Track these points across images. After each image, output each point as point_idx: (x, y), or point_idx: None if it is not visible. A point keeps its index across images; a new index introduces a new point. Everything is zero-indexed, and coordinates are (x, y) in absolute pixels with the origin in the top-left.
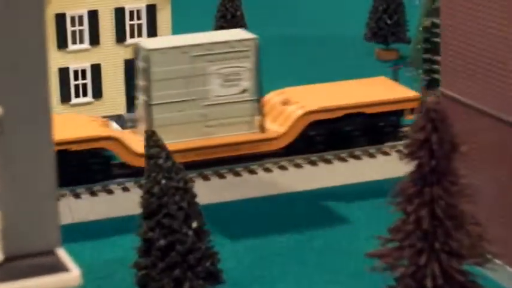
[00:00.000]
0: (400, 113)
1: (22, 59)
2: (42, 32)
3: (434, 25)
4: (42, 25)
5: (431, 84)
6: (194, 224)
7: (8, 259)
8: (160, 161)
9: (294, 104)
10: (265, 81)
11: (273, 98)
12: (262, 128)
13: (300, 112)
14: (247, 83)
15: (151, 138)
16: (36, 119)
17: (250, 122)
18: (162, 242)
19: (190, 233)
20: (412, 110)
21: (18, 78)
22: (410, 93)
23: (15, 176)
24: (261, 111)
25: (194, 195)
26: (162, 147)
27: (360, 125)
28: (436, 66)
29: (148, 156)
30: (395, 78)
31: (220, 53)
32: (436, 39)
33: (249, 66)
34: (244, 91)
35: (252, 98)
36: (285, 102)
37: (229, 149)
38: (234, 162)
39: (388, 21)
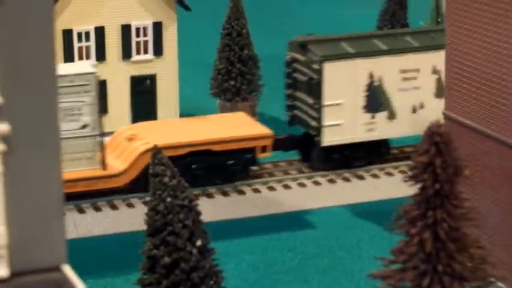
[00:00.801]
0: (251, 151)
1: (31, 76)
2: (52, 49)
3: (295, 60)
4: (52, 42)
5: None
6: (199, 242)
7: (14, 275)
8: (166, 179)
9: (139, 140)
10: (271, 101)
11: (121, 133)
12: (103, 165)
13: (142, 149)
14: (87, 118)
15: (157, 156)
16: (44, 137)
17: (91, 158)
18: (166, 260)
19: (195, 251)
20: (264, 148)
21: (26, 95)
22: (263, 130)
23: (22, 193)
24: (102, 147)
25: (199, 213)
26: (167, 165)
27: (206, 163)
28: (297, 103)
29: (154, 174)
30: None
31: (59, 86)
32: (296, 75)
33: (89, 101)
34: (84, 126)
35: (93, 134)
36: (131, 138)
37: (69, 186)
38: (77, 198)
39: None
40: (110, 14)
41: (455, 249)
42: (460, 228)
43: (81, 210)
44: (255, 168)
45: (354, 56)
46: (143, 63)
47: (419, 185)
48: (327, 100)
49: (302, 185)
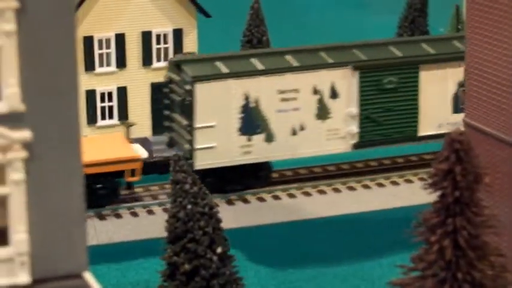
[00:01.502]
0: (118, 175)
1: (53, 84)
2: (73, 56)
3: (172, 81)
4: (73, 49)
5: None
6: (219, 249)
7: (36, 282)
8: (186, 187)
9: None
10: None
11: None
12: None
13: None
14: None
15: (178, 163)
16: (66, 143)
17: None
18: (186, 267)
19: (215, 258)
20: (133, 172)
21: (48, 102)
22: (133, 153)
23: (44, 199)
24: None
25: (219, 221)
26: (188, 172)
27: None
28: (174, 125)
29: (175, 181)
30: None
31: None
32: (172, 96)
33: None
34: None
35: None
36: None
37: None
38: None
39: None
40: (131, 21)
41: (475, 257)
42: (480, 236)
43: (101, 217)
44: (275, 175)
45: (226, 77)
46: (164, 70)
47: (439, 193)
48: (199, 122)
49: (322, 192)
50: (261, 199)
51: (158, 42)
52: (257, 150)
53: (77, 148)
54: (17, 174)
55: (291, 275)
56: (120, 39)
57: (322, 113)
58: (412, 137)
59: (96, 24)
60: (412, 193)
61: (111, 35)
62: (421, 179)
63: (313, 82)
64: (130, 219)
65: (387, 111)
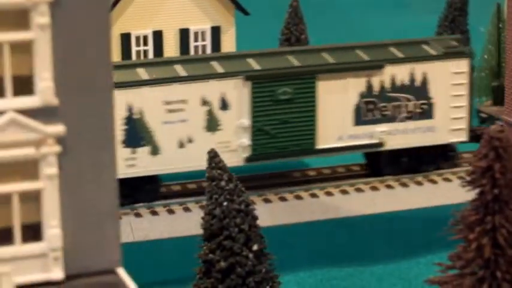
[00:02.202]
0: None
1: (86, 78)
2: (107, 51)
3: None
4: (108, 44)
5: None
6: (255, 247)
7: (69, 278)
8: (222, 183)
9: None
10: None
11: None
12: None
13: None
14: None
15: (213, 159)
16: (100, 138)
17: None
18: (222, 264)
19: (251, 255)
20: None
21: (81, 97)
22: None
23: (77, 195)
24: None
25: (255, 218)
26: (224, 169)
27: None
28: None
29: (210, 178)
30: None
31: None
32: None
33: None
34: None
35: None
36: None
37: None
38: None
39: None
40: (168, 18)
41: None
42: None
43: (137, 214)
44: (312, 173)
45: None
46: None
47: (477, 190)
48: None
49: (359, 190)
50: (298, 197)
51: (196, 40)
52: (142, 164)
53: (111, 143)
54: (50, 169)
55: (328, 273)
56: (158, 36)
57: (212, 124)
58: (309, 150)
59: (133, 21)
60: (450, 191)
61: (149, 32)
62: (460, 178)
63: (202, 93)
64: (166, 216)
65: (282, 123)
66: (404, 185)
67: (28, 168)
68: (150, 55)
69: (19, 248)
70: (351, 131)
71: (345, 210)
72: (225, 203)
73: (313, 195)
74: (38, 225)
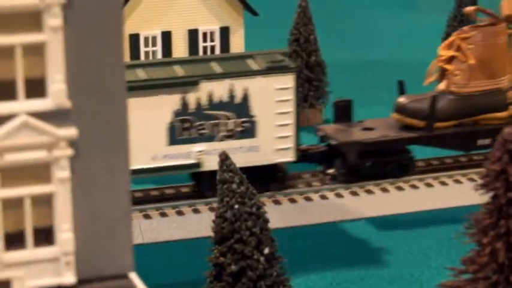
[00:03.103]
0: None
1: (99, 80)
2: (120, 53)
3: None
4: (120, 46)
5: None
6: (266, 250)
7: (81, 282)
8: (234, 186)
9: None
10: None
11: None
12: None
13: None
14: None
15: (225, 162)
16: (112, 141)
17: None
18: (233, 268)
19: (262, 259)
20: None
21: (94, 99)
22: None
23: (89, 199)
24: None
25: (267, 221)
26: (236, 171)
27: None
28: None
29: (221, 181)
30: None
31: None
32: None
33: None
34: None
35: None
36: None
37: None
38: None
39: None
40: (177, 19)
41: None
42: None
43: (147, 216)
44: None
45: None
46: None
47: (491, 194)
48: None
49: (370, 192)
50: (308, 199)
51: (205, 40)
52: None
53: (124, 146)
54: (62, 172)
55: (338, 276)
56: (166, 36)
57: None
58: None
59: (142, 21)
60: (461, 194)
61: (157, 32)
62: (470, 179)
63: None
64: (175, 218)
65: None
66: (414, 187)
67: (40, 172)
68: (159, 56)
69: (31, 252)
70: (165, 151)
71: (355, 212)
72: (236, 206)
73: (323, 197)
74: (50, 229)
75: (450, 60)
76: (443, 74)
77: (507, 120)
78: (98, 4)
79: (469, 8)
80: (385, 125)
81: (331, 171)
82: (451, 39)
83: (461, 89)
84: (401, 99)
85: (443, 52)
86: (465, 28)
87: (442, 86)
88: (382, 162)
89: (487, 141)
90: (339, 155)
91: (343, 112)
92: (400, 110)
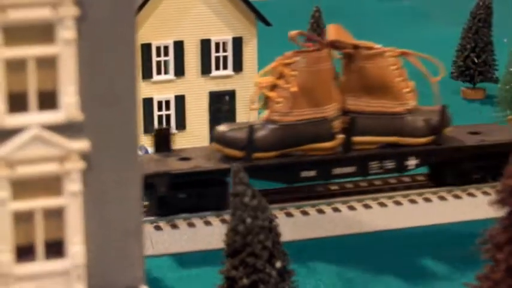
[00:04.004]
0: None
1: (112, 92)
2: (133, 66)
3: None
4: (133, 59)
5: None
6: (278, 264)
7: None
8: (246, 199)
9: None
10: None
11: None
12: None
13: None
14: None
15: (238, 175)
16: (124, 153)
17: None
18: (245, 281)
19: (274, 272)
20: None
21: (106, 111)
22: None
23: (101, 212)
24: None
25: (279, 234)
26: (248, 185)
27: None
28: None
29: (234, 194)
30: None
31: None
32: None
33: None
34: None
35: None
36: None
37: None
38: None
39: (476, 60)
40: (190, 29)
41: None
42: None
43: (158, 228)
44: (334, 187)
45: None
46: (222, 78)
47: (506, 209)
48: None
49: (383, 204)
50: (321, 211)
51: (217, 51)
52: None
53: (135, 158)
54: (74, 185)
55: None
56: (179, 46)
57: None
58: None
59: (154, 31)
60: (475, 207)
61: (170, 42)
62: (485, 193)
63: None
64: (187, 230)
65: None
66: (427, 200)
67: (52, 184)
68: (171, 66)
69: (42, 264)
70: None
71: (368, 224)
72: (248, 220)
73: (336, 210)
74: (61, 242)
75: (274, 87)
76: (266, 101)
77: (334, 151)
78: (111, 16)
79: (292, 33)
80: (205, 154)
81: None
82: (273, 64)
83: (283, 117)
84: (221, 128)
85: (262, 79)
86: (288, 53)
87: (265, 114)
88: (197, 194)
89: (312, 173)
90: (151, 186)
91: (163, 141)
92: (219, 139)
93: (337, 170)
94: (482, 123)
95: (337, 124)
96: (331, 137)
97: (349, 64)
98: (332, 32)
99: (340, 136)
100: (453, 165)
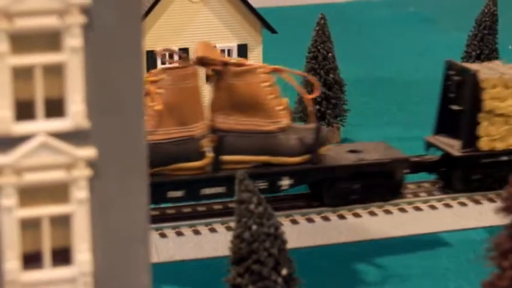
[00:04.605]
0: None
1: (118, 101)
2: (139, 73)
3: None
4: (140, 65)
5: None
6: (284, 271)
7: None
8: (252, 206)
9: None
10: (357, 127)
11: None
12: None
13: None
14: None
15: (243, 182)
16: (131, 161)
17: None
18: None
19: (280, 280)
20: None
21: (113, 119)
22: None
23: (107, 219)
24: None
25: (285, 242)
26: (254, 192)
27: None
28: None
29: (240, 201)
30: None
31: None
32: None
33: None
34: None
35: None
36: None
37: None
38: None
39: None
40: (195, 35)
41: None
42: None
43: (162, 235)
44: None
45: None
46: None
47: (511, 217)
48: None
49: (388, 212)
50: (326, 218)
51: None
52: None
53: (142, 166)
54: (81, 193)
55: None
56: (184, 53)
57: None
58: None
59: (159, 38)
60: (479, 214)
61: (175, 49)
62: (490, 200)
63: None
64: (192, 237)
65: None
66: (432, 207)
67: (58, 192)
68: None
69: (49, 272)
70: None
71: (373, 232)
72: (254, 227)
73: (341, 217)
74: (67, 249)
75: None
76: None
77: (203, 170)
78: (118, 24)
79: (158, 50)
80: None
81: None
82: None
83: (149, 136)
84: None
85: None
86: (154, 71)
87: None
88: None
89: (179, 193)
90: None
91: None
92: None
93: (206, 190)
94: (367, 142)
95: (205, 143)
96: (199, 156)
97: (218, 81)
98: (200, 49)
99: (210, 155)
100: (330, 185)
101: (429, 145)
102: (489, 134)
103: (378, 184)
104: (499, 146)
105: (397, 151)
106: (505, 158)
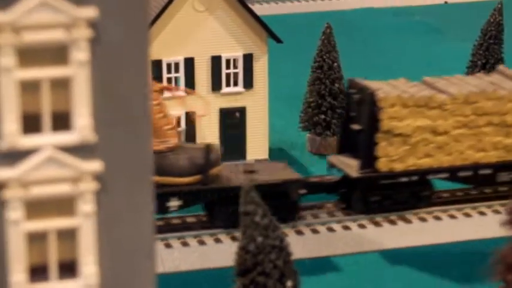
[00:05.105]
0: None
1: (125, 113)
2: (146, 86)
3: None
4: (146, 79)
5: None
6: (289, 283)
7: None
8: (257, 218)
9: None
10: None
11: None
12: None
13: None
14: None
15: (248, 194)
16: (137, 174)
17: None
18: None
19: None
20: None
21: (120, 132)
22: None
23: (113, 233)
24: None
25: (290, 254)
26: (259, 204)
27: None
28: None
29: (245, 213)
30: None
31: None
32: None
33: None
34: None
35: None
36: None
37: None
38: None
39: None
40: (200, 45)
41: None
42: None
43: (168, 245)
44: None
45: None
46: (233, 95)
47: None
48: None
49: (393, 222)
50: (331, 229)
51: (228, 67)
52: None
53: (148, 179)
54: (87, 206)
55: None
56: (189, 63)
57: None
58: None
59: (165, 47)
60: (485, 225)
61: (180, 59)
62: (495, 211)
63: None
64: (197, 247)
65: None
66: (437, 218)
67: (65, 205)
68: (182, 83)
69: (55, 285)
70: None
71: (378, 243)
72: (259, 238)
73: (346, 228)
74: (74, 262)
75: None
76: None
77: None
78: (125, 38)
79: None
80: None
81: None
82: None
83: None
84: None
85: None
86: None
87: None
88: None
89: None
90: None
91: None
92: None
93: None
94: (269, 161)
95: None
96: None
97: None
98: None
99: None
100: (222, 206)
101: (330, 165)
102: (388, 154)
103: (272, 205)
104: (398, 167)
105: (293, 172)
106: (404, 179)
